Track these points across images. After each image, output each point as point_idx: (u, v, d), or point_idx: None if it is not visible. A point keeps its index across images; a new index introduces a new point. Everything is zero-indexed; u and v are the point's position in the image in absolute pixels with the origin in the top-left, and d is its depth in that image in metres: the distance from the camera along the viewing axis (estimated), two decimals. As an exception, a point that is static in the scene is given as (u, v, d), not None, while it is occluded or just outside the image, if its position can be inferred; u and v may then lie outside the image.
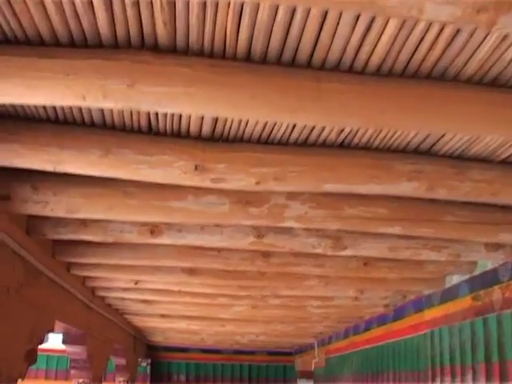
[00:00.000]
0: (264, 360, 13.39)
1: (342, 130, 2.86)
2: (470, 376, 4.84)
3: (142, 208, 3.32)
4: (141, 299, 6.60)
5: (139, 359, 11.52)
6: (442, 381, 5.44)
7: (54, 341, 11.11)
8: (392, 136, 2.91)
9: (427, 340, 5.79)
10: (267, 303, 6.57)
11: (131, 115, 2.75)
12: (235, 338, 10.95)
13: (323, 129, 2.85)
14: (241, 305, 6.79)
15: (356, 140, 2.99)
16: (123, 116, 2.77)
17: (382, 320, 7.18)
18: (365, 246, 4.11)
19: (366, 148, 3.08)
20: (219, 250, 4.47)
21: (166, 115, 2.74)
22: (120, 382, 9.87)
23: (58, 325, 5.27)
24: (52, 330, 4.74)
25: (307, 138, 2.97)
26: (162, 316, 8.01)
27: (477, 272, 4.91)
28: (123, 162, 2.86)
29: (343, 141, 3.00)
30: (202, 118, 2.75)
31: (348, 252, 4.15)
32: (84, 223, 3.78)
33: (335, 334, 9.35)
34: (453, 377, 5.18)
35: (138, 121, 2.82)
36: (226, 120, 2.77)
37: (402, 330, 6.49)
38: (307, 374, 12.06)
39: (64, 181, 3.21)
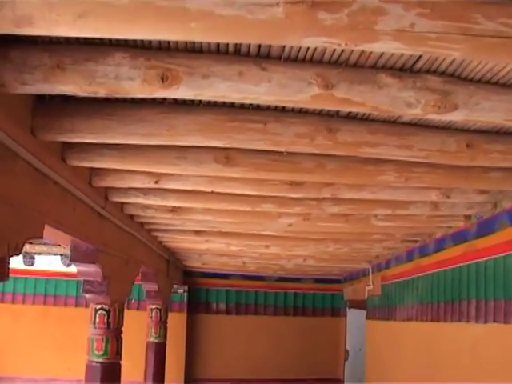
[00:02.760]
0: (310, 288, 12.48)
1: None
2: None
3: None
4: (166, 207, 5.41)
5: (174, 286, 10.58)
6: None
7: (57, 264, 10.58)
8: None
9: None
10: (323, 212, 5.31)
11: None
12: (280, 263, 9.85)
13: None
14: (290, 214, 5.52)
15: None
16: None
17: (460, 237, 5.86)
18: (484, 106, 2.79)
19: None
20: (265, 119, 3.21)
21: None
22: (152, 310, 8.92)
23: (59, 235, 4.15)
24: (39, 237, 3.53)
25: None
26: (197, 233, 6.88)
27: None
28: None
29: None
30: None
31: (458, 115, 2.83)
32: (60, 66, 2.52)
33: (395, 257, 8.12)
34: None
35: None
36: None
37: (491, 247, 5.14)
38: (358, 304, 11.06)
39: None
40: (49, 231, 3.79)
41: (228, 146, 3.41)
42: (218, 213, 5.48)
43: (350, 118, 3.41)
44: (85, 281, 5.29)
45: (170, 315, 9.58)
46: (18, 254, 3.21)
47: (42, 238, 3.56)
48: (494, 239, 5.10)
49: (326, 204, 5.02)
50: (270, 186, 4.38)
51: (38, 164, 3.37)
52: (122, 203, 5.36)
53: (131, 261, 6.21)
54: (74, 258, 4.89)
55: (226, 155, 3.72)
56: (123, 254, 5.82)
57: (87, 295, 5.40)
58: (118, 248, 5.60)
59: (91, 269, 5.06)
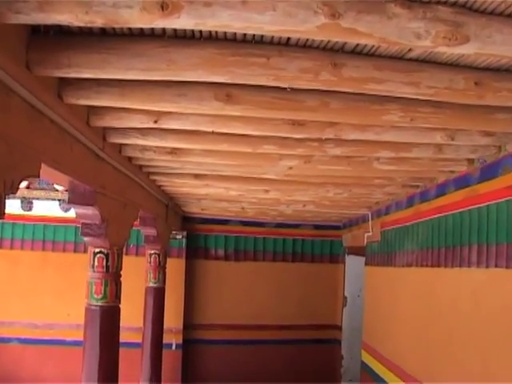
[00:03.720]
0: (309, 234, 12.47)
1: None
2: None
3: None
4: (165, 148, 5.29)
5: (173, 231, 10.56)
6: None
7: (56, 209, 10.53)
8: None
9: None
10: (325, 154, 5.20)
11: None
12: (279, 209, 9.77)
13: None
14: (291, 156, 5.41)
15: None
16: None
17: (462, 182, 5.76)
18: (496, 39, 2.68)
19: None
20: (268, 54, 3.08)
21: None
22: (151, 255, 8.90)
23: (56, 175, 4.06)
24: (36, 176, 3.44)
25: None
26: (196, 177, 6.77)
27: None
28: None
29: None
30: None
31: (469, 48, 2.72)
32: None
33: (395, 203, 8.04)
34: None
35: None
36: None
37: (494, 192, 5.05)
38: (357, 250, 11.06)
39: None
40: (46, 171, 3.70)
41: (229, 81, 3.28)
42: (218, 154, 5.37)
43: (356, 53, 3.27)
44: (83, 224, 5.23)
45: (169, 261, 9.58)
46: (14, 193, 3.13)
47: (38, 176, 3.48)
48: (497, 184, 5.00)
49: (328, 146, 4.91)
50: (272, 125, 4.27)
51: (34, 100, 3.27)
52: (121, 144, 5.25)
53: (130, 204, 6.15)
54: (72, 199, 4.82)
55: (228, 92, 3.60)
56: (121, 197, 5.75)
57: (86, 238, 5.35)
58: (117, 191, 5.52)
59: (89, 211, 4.99)
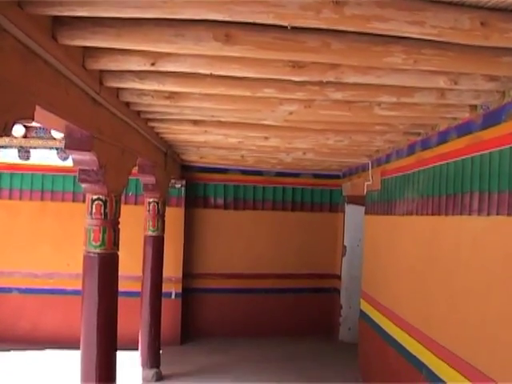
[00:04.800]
0: (309, 183, 12.42)
1: None
2: None
3: None
4: (163, 93, 5.20)
5: (172, 180, 10.51)
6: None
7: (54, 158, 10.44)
8: None
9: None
10: (326, 98, 5.10)
11: None
12: (279, 156, 9.69)
13: None
14: (292, 101, 5.31)
15: None
16: None
17: (464, 129, 5.67)
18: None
19: None
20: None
21: None
22: (150, 203, 8.85)
23: (51, 118, 3.98)
24: (30, 118, 3.36)
25: None
26: (195, 123, 6.68)
27: None
28: None
29: None
30: None
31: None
32: None
33: (396, 151, 7.96)
34: None
35: None
36: None
37: (497, 139, 4.95)
38: (357, 199, 11.04)
39: None
40: (41, 114, 3.63)
41: (228, 19, 3.19)
42: (217, 99, 5.26)
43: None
44: (80, 170, 5.17)
45: (168, 210, 9.55)
46: (7, 135, 3.06)
47: (33, 119, 3.39)
48: (501, 130, 4.91)
49: (328, 89, 4.82)
50: (272, 68, 4.17)
51: (28, 41, 3.19)
52: (118, 89, 5.16)
53: (127, 151, 6.08)
54: (69, 145, 4.74)
55: (226, 32, 3.50)
56: (119, 143, 5.67)
57: (83, 185, 5.30)
58: (114, 137, 5.45)
59: (86, 157, 4.93)
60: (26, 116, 3.31)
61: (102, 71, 4.58)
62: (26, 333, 10.59)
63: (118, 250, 5.62)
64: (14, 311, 10.68)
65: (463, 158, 5.61)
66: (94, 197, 5.42)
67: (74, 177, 9.82)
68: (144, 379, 8.84)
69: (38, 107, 3.44)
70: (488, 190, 5.04)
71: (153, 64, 4.12)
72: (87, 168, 5.12)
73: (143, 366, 8.94)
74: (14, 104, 3.10)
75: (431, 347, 6.17)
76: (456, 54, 3.87)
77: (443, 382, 5.79)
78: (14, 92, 3.09)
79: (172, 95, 5.21)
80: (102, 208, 5.40)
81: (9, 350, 9.99)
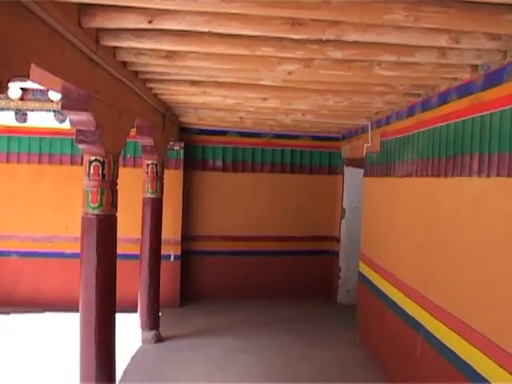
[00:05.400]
0: (308, 145, 12.37)
1: None
2: None
3: None
4: (161, 52, 5.12)
5: (170, 142, 10.47)
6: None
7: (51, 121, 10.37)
8: None
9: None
10: (326, 57, 5.01)
11: None
12: (278, 118, 9.62)
13: None
14: (291, 60, 5.23)
15: None
16: None
17: (465, 89, 5.61)
18: None
19: None
20: None
21: None
22: (148, 165, 8.82)
23: (48, 77, 3.92)
24: (26, 76, 3.31)
25: None
26: (193, 83, 6.60)
27: None
28: None
29: None
30: None
31: None
32: None
33: (395, 112, 7.91)
34: None
35: None
36: None
37: (498, 99, 4.89)
38: (356, 162, 11.00)
39: None
40: (37, 73, 3.60)
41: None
42: (215, 58, 5.18)
43: None
44: (78, 130, 5.13)
45: (166, 172, 9.51)
46: (2, 92, 3.02)
47: (28, 77, 3.34)
48: (502, 91, 4.85)
49: (328, 48, 4.74)
50: (271, 25, 4.09)
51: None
52: (115, 48, 5.08)
53: (125, 112, 6.03)
54: (66, 105, 4.71)
55: (224, -12, 3.44)
56: (117, 103, 5.62)
57: (81, 146, 5.27)
58: (112, 97, 5.39)
59: (83, 117, 4.89)
60: (22, 74, 3.26)
61: (98, 29, 4.51)
62: (25, 296, 10.64)
63: (116, 211, 5.60)
64: (13, 275, 10.71)
65: (463, 119, 5.56)
66: (92, 158, 5.39)
67: (72, 139, 9.66)
68: (143, 341, 8.90)
69: (33, 66, 3.40)
70: (488, 151, 5.00)
71: (150, 22, 4.05)
72: (84, 129, 5.08)
73: (142, 327, 8.99)
74: (9, 61, 3.05)
75: (429, 308, 6.20)
76: (458, 11, 3.80)
77: (440, 342, 5.82)
78: (9, 49, 3.05)
79: (170, 54, 5.14)
80: (100, 169, 5.38)
81: (9, 313, 10.05)
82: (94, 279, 5.36)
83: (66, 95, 4.65)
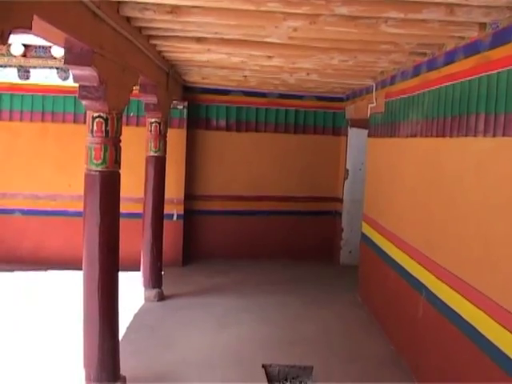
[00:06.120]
0: (312, 106, 12.31)
1: None
2: None
3: None
4: (165, 7, 5.04)
5: (174, 101, 10.41)
6: None
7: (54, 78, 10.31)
8: None
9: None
10: (332, 13, 4.93)
11: None
12: (282, 77, 9.56)
13: None
14: (296, 16, 5.15)
15: None
16: None
17: (472, 48, 5.52)
18: None
19: None
20: None
21: None
22: (151, 123, 8.77)
23: (50, 31, 3.87)
24: (28, 27, 3.26)
25: None
26: (198, 40, 6.53)
27: None
28: None
29: None
30: None
31: None
32: None
33: (401, 72, 7.83)
34: None
35: None
36: None
37: (506, 58, 4.79)
38: (360, 123, 10.98)
39: None
40: (39, 25, 3.54)
41: None
42: (220, 13, 5.09)
43: None
44: (81, 86, 5.09)
45: (170, 131, 9.47)
46: (3, 43, 2.98)
47: (30, 28, 3.28)
48: (510, 50, 4.75)
49: (334, 4, 4.65)
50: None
51: None
52: (119, 2, 5.01)
53: (129, 69, 5.97)
54: (69, 60, 4.64)
55: None
56: (120, 59, 5.56)
57: (84, 102, 5.23)
58: (115, 53, 5.33)
59: (86, 72, 4.84)
60: (24, 25, 3.21)
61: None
62: (29, 254, 10.71)
63: (119, 168, 5.58)
64: (16, 232, 10.76)
65: (470, 78, 5.50)
66: (95, 114, 5.35)
67: (75, 98, 9.70)
68: (146, 299, 8.96)
69: (36, 18, 3.35)
70: (494, 111, 4.95)
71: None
72: (87, 84, 5.03)
73: (145, 286, 9.05)
74: (11, 11, 2.99)
75: (432, 269, 6.21)
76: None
77: (443, 303, 5.84)
78: (11, 0, 2.99)
79: (174, 9, 5.06)
80: (103, 126, 5.34)
81: (12, 271, 10.12)
82: (97, 236, 5.36)
83: (69, 50, 4.59)
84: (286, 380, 6.65)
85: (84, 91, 5.10)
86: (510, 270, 4.54)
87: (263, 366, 6.68)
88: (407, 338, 7.03)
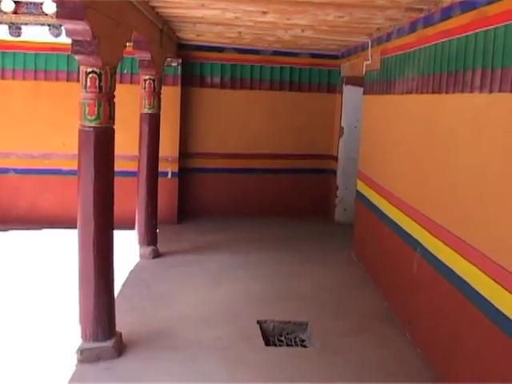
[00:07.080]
0: (307, 63, 12.21)
1: None
2: None
3: None
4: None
5: (168, 59, 10.31)
6: None
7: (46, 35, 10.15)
8: None
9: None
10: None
11: None
12: (277, 34, 9.46)
13: None
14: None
15: None
16: None
17: (469, 4, 5.43)
18: None
19: None
20: None
21: None
22: (145, 80, 8.70)
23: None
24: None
25: None
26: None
27: None
28: None
29: None
30: None
31: None
32: None
33: (397, 29, 7.74)
34: None
35: None
36: None
37: (503, 14, 4.71)
38: (355, 80, 10.98)
39: None
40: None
41: None
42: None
43: None
44: (74, 41, 5.03)
45: (164, 89, 9.39)
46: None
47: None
48: (507, 5, 4.68)
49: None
50: None
51: None
52: None
53: (122, 24, 5.89)
54: (61, 14, 4.59)
55: None
56: (114, 14, 5.48)
57: (77, 57, 5.17)
58: (108, 8, 5.25)
59: (79, 26, 4.77)
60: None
61: None
62: (23, 213, 10.70)
63: (113, 124, 5.53)
64: (11, 192, 10.74)
65: (466, 34, 5.44)
66: (89, 69, 5.28)
67: (68, 55, 9.64)
68: (141, 256, 9.00)
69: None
70: (491, 66, 4.91)
71: None
72: (80, 39, 4.97)
73: (140, 243, 9.08)
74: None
75: (427, 226, 6.22)
76: None
77: (437, 259, 5.87)
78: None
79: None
80: (97, 81, 5.28)
81: (7, 230, 10.13)
82: (91, 192, 5.33)
83: (61, 4, 4.54)
84: (281, 335, 6.71)
85: (77, 46, 5.03)
86: (504, 226, 4.55)
87: (258, 322, 6.74)
88: (401, 294, 7.08)
